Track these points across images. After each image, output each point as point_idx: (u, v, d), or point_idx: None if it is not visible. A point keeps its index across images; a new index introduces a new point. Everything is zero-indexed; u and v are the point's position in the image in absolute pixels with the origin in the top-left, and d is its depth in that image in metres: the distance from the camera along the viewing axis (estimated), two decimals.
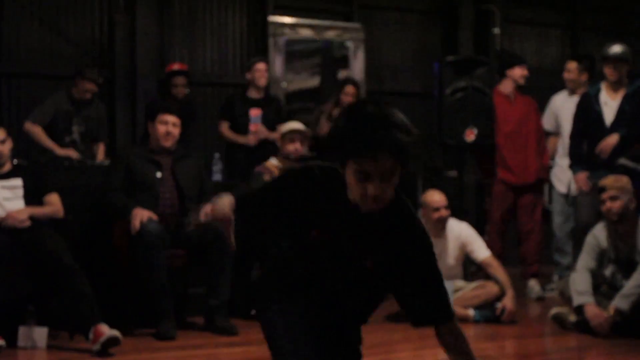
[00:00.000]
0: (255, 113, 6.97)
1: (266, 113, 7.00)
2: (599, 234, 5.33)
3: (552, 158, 7.23)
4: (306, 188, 2.55)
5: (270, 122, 6.91)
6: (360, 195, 2.39)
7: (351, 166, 2.37)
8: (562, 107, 7.08)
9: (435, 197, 5.95)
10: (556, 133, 7.19)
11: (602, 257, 5.31)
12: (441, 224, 5.92)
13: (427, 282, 2.56)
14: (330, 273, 2.57)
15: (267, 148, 6.70)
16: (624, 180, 5.34)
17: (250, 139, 6.92)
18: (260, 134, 6.90)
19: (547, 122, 7.21)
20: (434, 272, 2.57)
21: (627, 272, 5.20)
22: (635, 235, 5.19)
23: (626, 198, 5.21)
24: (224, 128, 7.06)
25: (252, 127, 6.94)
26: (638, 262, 5.16)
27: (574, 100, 6.75)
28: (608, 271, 5.29)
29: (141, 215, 5.15)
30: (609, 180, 5.37)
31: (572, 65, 7.11)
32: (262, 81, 7.08)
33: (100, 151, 6.75)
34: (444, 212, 5.90)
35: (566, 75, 7.12)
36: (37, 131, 6.45)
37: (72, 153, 6.32)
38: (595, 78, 7.04)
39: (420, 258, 2.53)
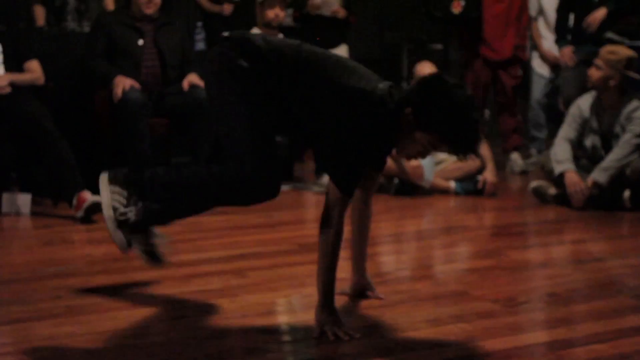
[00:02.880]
0: None
1: None
2: (582, 103, 5.34)
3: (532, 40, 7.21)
4: None
5: None
6: (416, 154, 2.71)
7: (428, 138, 2.62)
8: None
9: (426, 69, 5.91)
10: (538, 17, 7.17)
11: (583, 128, 5.33)
12: None
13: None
14: None
15: (248, 16, 6.57)
16: (618, 57, 5.28)
17: (225, 8, 6.81)
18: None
19: (532, 7, 7.14)
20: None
21: (608, 145, 5.23)
22: (620, 109, 5.20)
23: (609, 72, 5.18)
24: None
25: None
26: (618, 136, 5.18)
27: None
28: (589, 142, 5.32)
29: (123, 83, 5.10)
30: (604, 49, 5.33)
31: None
32: None
33: None
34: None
35: None
36: None
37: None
38: None
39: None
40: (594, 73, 5.21)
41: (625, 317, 2.93)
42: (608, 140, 5.24)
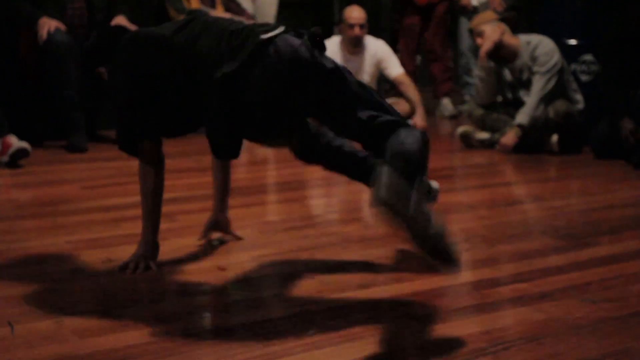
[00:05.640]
0: None
1: None
2: (482, 69, 5.40)
3: None
4: None
5: None
6: None
7: None
8: None
9: (355, 14, 5.89)
10: None
11: (497, 88, 5.41)
12: (356, 40, 5.90)
13: None
14: None
15: None
16: (488, 16, 5.40)
17: None
18: None
19: None
20: None
21: (526, 87, 5.31)
22: (520, 53, 5.26)
23: (489, 28, 5.25)
24: None
25: None
26: (530, 79, 5.26)
27: None
28: (509, 94, 5.40)
29: (48, 25, 4.99)
30: (472, 23, 5.44)
31: None
32: None
33: None
34: (358, 31, 5.86)
35: None
36: None
37: None
38: None
39: None
40: (483, 41, 5.27)
41: (548, 257, 3.01)
42: (525, 85, 5.31)
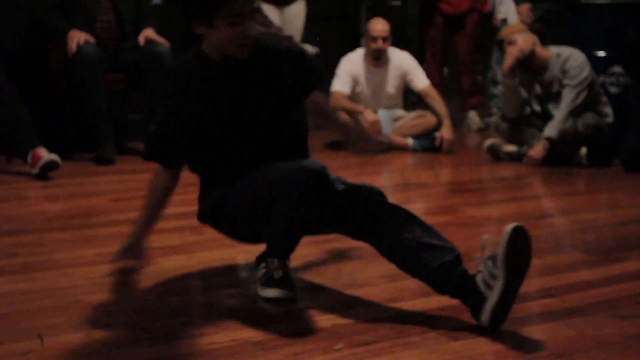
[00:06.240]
0: None
1: None
2: (504, 85, 5.36)
3: None
4: (187, 83, 2.57)
5: None
6: (239, 42, 2.44)
7: (223, 18, 2.39)
8: None
9: (377, 27, 5.89)
10: None
11: (525, 100, 5.37)
12: (379, 53, 5.90)
13: (296, 61, 2.62)
14: (248, 134, 2.59)
15: None
16: (519, 26, 5.38)
17: None
18: None
19: None
20: (299, 53, 2.65)
21: (556, 100, 5.27)
22: (550, 65, 5.23)
23: (522, 38, 5.21)
24: None
25: None
26: (559, 92, 5.22)
27: None
28: (537, 107, 5.37)
29: (78, 38, 5.03)
30: (503, 32, 5.40)
31: None
32: None
33: None
34: (381, 44, 5.86)
35: None
36: None
37: None
38: None
39: (294, 63, 2.60)
40: (515, 49, 5.22)
41: (578, 271, 2.98)
42: (553, 98, 5.28)
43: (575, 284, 2.80)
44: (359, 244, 2.61)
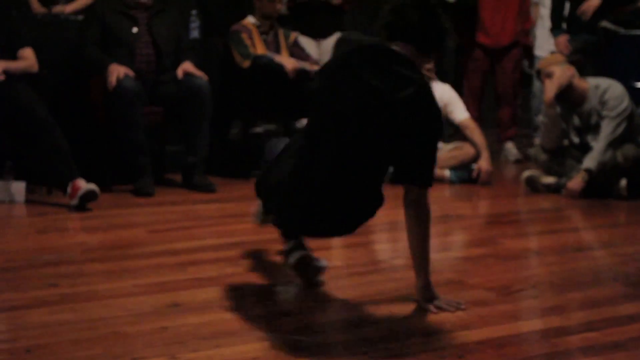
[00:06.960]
0: None
1: None
2: (546, 115, 5.33)
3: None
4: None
5: None
6: None
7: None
8: None
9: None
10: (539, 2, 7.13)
11: (564, 132, 5.33)
12: None
13: (422, 145, 2.77)
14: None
15: (243, 5, 6.55)
16: (556, 57, 5.35)
17: None
18: None
19: None
20: (431, 140, 2.82)
21: (593, 134, 5.23)
22: (588, 96, 5.19)
23: (559, 70, 5.17)
24: None
25: None
26: (598, 123, 5.18)
27: None
28: (576, 139, 5.33)
29: (117, 71, 5.09)
30: (541, 64, 5.37)
31: None
32: None
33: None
34: (429, 74, 5.87)
35: None
36: None
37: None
38: None
39: (427, 125, 2.82)
40: (552, 83, 5.19)
41: (619, 305, 2.94)
42: (592, 129, 5.24)
43: (616, 318, 2.76)
44: (397, 275, 2.59)
